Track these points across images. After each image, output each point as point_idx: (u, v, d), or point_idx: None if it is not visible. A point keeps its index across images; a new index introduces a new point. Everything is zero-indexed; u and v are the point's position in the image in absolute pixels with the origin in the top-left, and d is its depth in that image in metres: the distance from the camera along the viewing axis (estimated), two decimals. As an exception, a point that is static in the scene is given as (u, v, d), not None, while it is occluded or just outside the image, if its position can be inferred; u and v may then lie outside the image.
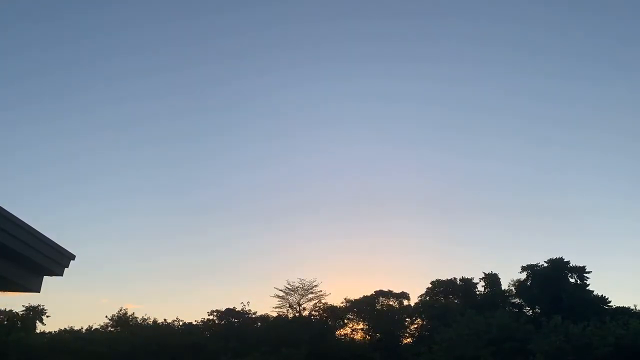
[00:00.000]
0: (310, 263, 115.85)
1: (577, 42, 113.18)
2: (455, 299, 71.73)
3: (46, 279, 7.55)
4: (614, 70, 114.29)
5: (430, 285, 74.49)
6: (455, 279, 73.60)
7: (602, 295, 64.32)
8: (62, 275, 7.46)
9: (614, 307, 62.63)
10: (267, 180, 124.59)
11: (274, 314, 70.70)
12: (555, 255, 66.03)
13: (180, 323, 69.05)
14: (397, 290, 73.50)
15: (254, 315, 70.50)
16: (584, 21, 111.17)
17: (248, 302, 71.18)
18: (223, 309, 71.03)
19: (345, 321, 72.46)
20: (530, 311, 67.28)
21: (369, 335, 70.99)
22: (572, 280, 65.40)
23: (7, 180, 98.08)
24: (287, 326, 65.21)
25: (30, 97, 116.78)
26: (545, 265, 66.16)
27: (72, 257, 7.41)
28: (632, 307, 60.42)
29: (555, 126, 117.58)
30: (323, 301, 71.63)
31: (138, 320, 69.20)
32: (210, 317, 70.74)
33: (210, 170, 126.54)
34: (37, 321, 67.12)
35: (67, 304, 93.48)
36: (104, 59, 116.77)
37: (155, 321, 68.72)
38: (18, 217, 6.30)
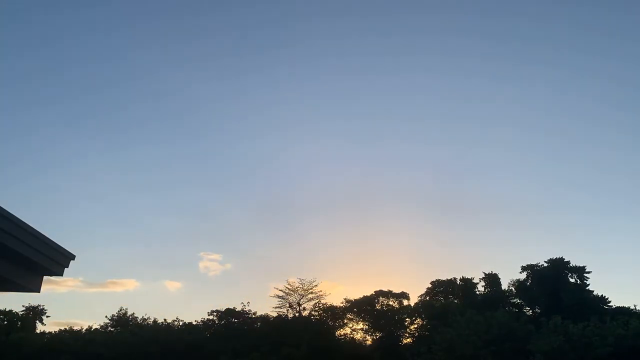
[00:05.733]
0: (310, 263, 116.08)
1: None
2: (455, 299, 71.68)
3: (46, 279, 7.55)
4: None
5: (430, 285, 74.57)
6: (455, 279, 73.62)
7: (602, 295, 64.33)
8: (62, 275, 7.45)
9: (614, 307, 62.56)
10: (267, 180, 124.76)
11: (274, 314, 70.85)
12: (555, 255, 66.15)
13: (180, 323, 69.11)
14: (397, 290, 73.55)
15: (254, 315, 70.58)
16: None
17: (248, 302, 71.37)
18: (223, 309, 71.09)
19: (345, 321, 72.46)
20: (530, 311, 67.25)
21: (369, 335, 71.00)
22: (572, 280, 65.35)
23: (8, 181, 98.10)
24: (287, 326, 65.20)
25: (29, 98, 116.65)
26: (545, 265, 66.15)
27: (72, 257, 7.40)
28: (632, 307, 60.39)
29: (553, 126, 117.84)
30: (323, 301, 71.79)
31: (138, 320, 69.26)
32: (210, 317, 70.82)
33: (210, 171, 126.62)
34: (37, 321, 67.21)
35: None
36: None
37: (155, 321, 68.79)
38: (18, 217, 6.29)
